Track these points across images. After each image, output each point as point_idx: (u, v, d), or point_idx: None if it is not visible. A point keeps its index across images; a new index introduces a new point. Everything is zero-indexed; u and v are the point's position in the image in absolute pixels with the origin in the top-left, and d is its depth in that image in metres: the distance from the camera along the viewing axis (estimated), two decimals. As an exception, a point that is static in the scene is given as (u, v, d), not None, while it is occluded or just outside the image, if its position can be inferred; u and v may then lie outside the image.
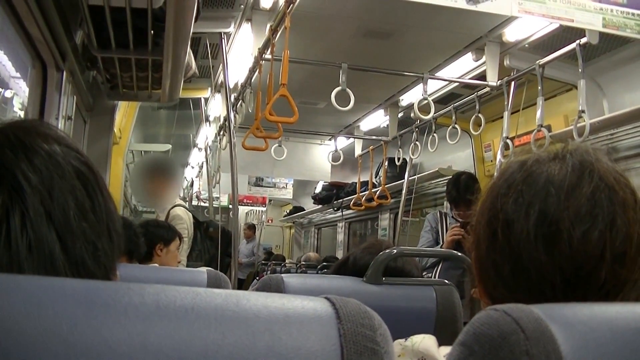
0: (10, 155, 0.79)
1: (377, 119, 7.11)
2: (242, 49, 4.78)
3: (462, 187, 4.75)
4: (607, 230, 0.97)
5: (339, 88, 4.25)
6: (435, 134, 5.52)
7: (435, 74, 5.08)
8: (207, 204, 9.28)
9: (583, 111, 3.73)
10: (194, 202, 10.66)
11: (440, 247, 4.77)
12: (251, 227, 12.86)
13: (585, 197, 0.99)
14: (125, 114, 5.60)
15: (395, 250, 2.00)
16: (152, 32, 3.08)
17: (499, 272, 1.04)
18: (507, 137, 4.57)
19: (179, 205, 5.54)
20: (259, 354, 0.57)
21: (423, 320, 1.90)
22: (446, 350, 1.26)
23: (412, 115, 5.79)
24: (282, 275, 1.90)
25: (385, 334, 0.63)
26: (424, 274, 3.69)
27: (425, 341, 1.27)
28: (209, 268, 2.18)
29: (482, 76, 4.82)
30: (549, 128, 4.51)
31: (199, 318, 0.57)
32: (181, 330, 0.56)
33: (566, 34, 4.05)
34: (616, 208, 0.99)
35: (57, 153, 0.83)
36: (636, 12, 3.04)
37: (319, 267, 6.98)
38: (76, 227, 0.80)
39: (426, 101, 4.69)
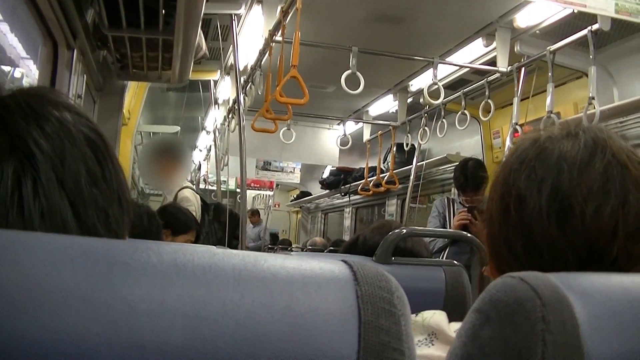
0: (22, 122, 0.79)
1: (386, 104, 7.09)
2: (252, 30, 4.77)
3: (469, 172, 4.76)
4: (619, 207, 0.98)
5: (348, 71, 4.23)
6: (444, 120, 5.51)
7: (446, 60, 5.06)
8: (214, 187, 9.29)
9: (593, 97, 3.71)
10: (202, 186, 10.68)
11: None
12: (255, 213, 12.85)
13: (598, 173, 1.00)
14: (134, 95, 5.61)
15: (405, 230, 2.00)
16: (163, 11, 3.08)
17: (512, 248, 1.05)
18: (517, 124, 4.56)
19: (187, 187, 5.54)
20: (276, 313, 0.57)
21: (432, 300, 1.91)
22: (456, 325, 1.26)
23: (421, 100, 5.78)
24: (292, 254, 1.91)
25: (402, 297, 0.63)
26: (431, 258, 3.70)
27: (436, 317, 1.27)
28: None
29: (492, 62, 4.82)
30: (558, 115, 4.50)
31: (216, 277, 0.58)
32: (199, 289, 0.56)
33: (577, 20, 4.03)
34: (629, 185, 0.99)
35: (68, 120, 0.83)
36: (649, -3, 3.03)
37: (325, 251, 6.97)
38: (88, 194, 0.81)
39: (436, 86, 4.67)
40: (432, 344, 1.26)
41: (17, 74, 3.48)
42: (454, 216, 4.95)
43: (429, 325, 1.27)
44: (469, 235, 2.37)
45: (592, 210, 0.97)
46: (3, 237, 0.56)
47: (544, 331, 0.67)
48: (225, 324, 0.55)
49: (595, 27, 3.69)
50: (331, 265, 0.64)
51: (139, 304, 0.54)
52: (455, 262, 2.08)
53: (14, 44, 3.26)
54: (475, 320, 0.73)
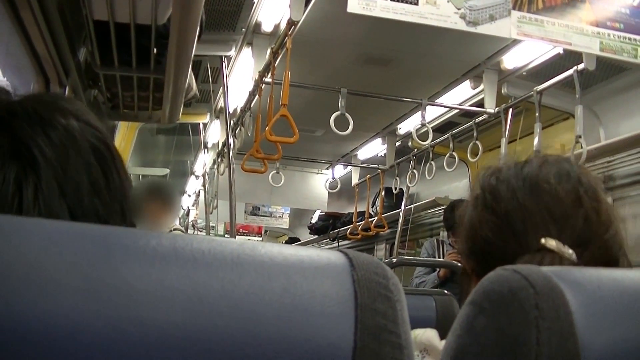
0: (27, 128, 0.80)
1: (374, 148, 7.14)
2: (242, 72, 4.81)
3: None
4: (578, 185, 1.11)
5: (337, 113, 4.25)
6: (432, 163, 5.52)
7: (434, 101, 5.09)
8: (203, 233, 9.25)
9: (580, 136, 3.74)
10: (190, 231, 10.64)
11: (437, 273, 4.79)
12: (242, 259, 12.74)
13: (556, 167, 1.14)
14: (124, 137, 5.61)
15: (395, 260, 2.01)
16: (155, 49, 3.10)
17: (486, 232, 1.14)
18: (504, 165, 4.56)
19: (177, 229, 5.51)
20: (274, 294, 0.58)
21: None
22: (448, 342, 1.27)
23: (409, 144, 5.82)
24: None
25: (398, 284, 0.64)
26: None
27: (427, 333, 1.28)
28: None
29: (480, 104, 4.85)
30: (546, 156, 4.51)
31: (215, 260, 0.58)
32: (198, 270, 0.57)
33: (563, 62, 4.08)
34: (581, 177, 1.14)
35: (74, 128, 0.84)
36: (632, 36, 3.07)
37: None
38: (88, 203, 0.82)
39: (425, 128, 4.68)
40: (424, 360, 1.27)
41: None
42: (443, 257, 4.96)
43: (420, 341, 1.27)
44: (459, 264, 2.38)
45: (558, 186, 1.11)
46: (3, 220, 0.57)
47: (537, 318, 0.68)
48: (223, 304, 0.56)
49: (580, 66, 3.74)
50: (328, 253, 0.65)
51: (138, 283, 0.55)
52: (445, 291, 2.09)
53: (6, 80, 3.28)
54: (469, 312, 0.74)
